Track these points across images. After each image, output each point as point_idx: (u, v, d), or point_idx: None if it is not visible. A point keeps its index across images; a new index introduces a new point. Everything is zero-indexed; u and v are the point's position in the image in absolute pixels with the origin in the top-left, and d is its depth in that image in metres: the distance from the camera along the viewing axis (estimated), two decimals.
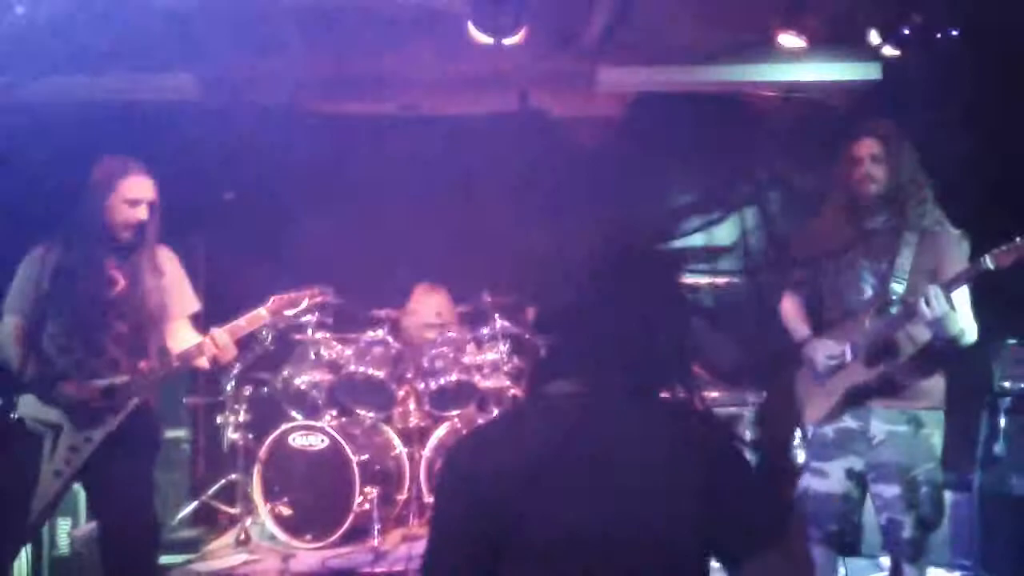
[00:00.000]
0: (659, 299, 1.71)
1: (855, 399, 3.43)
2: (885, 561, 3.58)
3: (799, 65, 5.78)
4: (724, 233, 6.70)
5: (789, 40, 5.32)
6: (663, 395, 1.74)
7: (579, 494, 1.56)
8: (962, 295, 3.26)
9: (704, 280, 5.51)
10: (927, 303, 3.11)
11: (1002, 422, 4.70)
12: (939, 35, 4.89)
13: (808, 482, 3.49)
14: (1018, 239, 3.06)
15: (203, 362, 3.73)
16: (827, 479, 3.43)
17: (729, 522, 1.61)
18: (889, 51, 5.09)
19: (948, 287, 3.14)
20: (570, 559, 1.54)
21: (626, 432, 1.62)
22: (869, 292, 3.45)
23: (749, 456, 1.70)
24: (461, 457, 1.72)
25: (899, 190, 3.39)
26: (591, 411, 1.63)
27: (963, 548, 4.67)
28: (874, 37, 5.09)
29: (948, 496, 4.64)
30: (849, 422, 3.46)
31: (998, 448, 4.69)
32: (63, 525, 4.50)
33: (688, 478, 1.58)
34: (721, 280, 5.88)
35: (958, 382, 3.61)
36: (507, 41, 4.87)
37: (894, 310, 3.35)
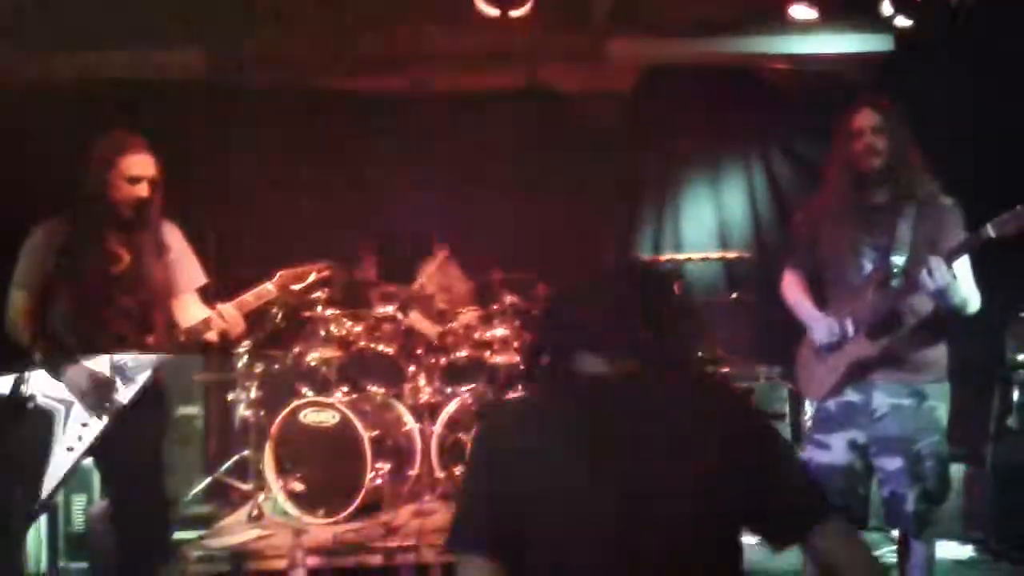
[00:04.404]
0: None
1: (858, 374, 3.41)
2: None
3: (811, 37, 5.73)
4: (735, 207, 6.68)
5: (801, 11, 5.27)
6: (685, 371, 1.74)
7: (609, 471, 1.56)
8: (963, 264, 3.23)
9: (714, 254, 5.48)
10: (929, 274, 3.08)
11: (1015, 396, 4.68)
12: (952, 5, 4.83)
13: (811, 454, 3.48)
14: (1019, 207, 3.02)
15: (212, 336, 3.72)
16: (829, 451, 3.42)
17: (779, 495, 1.61)
18: (902, 22, 5.03)
19: (949, 257, 3.12)
20: (600, 536, 1.54)
21: (658, 408, 1.61)
22: (869, 267, 3.42)
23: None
24: (492, 431, 1.74)
25: (899, 162, 3.36)
26: (622, 389, 1.63)
27: (976, 522, 4.66)
28: (886, 8, 5.04)
29: (961, 469, 4.64)
30: (851, 396, 3.43)
31: (1011, 421, 4.68)
32: (78, 502, 4.54)
33: (721, 453, 1.57)
34: (731, 253, 5.85)
35: (968, 355, 3.58)
36: (513, 13, 4.83)
37: (896, 283, 3.32)
